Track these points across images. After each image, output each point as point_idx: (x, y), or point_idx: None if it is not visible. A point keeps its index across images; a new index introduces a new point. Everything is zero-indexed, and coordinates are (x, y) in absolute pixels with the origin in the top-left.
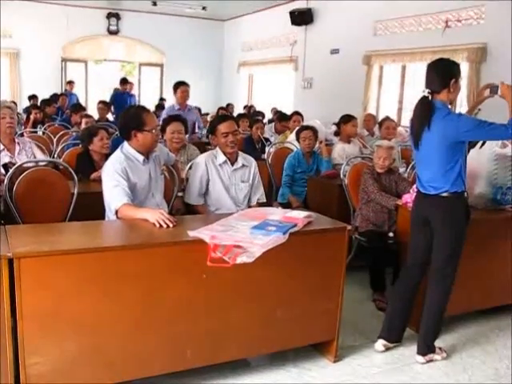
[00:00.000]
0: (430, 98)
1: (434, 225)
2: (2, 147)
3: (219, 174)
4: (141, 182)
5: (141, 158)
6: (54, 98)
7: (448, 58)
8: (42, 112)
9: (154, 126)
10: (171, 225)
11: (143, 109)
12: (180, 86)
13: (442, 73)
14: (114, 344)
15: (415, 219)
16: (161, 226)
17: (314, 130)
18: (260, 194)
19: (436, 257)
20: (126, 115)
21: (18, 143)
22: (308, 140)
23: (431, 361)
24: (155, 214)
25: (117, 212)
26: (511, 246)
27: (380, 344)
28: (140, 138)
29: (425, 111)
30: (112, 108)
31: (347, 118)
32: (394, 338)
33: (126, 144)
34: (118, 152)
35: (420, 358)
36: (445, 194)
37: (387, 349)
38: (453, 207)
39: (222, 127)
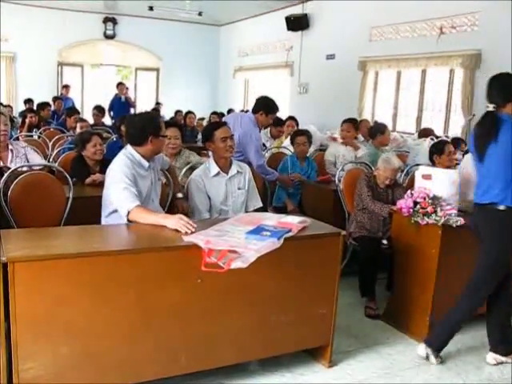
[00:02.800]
0: (494, 112)
1: (483, 236)
2: None
3: (216, 187)
4: (144, 188)
5: (146, 163)
6: (53, 101)
7: (508, 72)
8: (38, 116)
9: (164, 131)
10: (193, 229)
11: (157, 114)
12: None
13: (506, 87)
14: (108, 349)
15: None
16: (178, 231)
17: (308, 135)
18: (256, 200)
19: (478, 268)
20: (142, 120)
21: (12, 150)
22: (302, 146)
23: (427, 357)
24: (173, 220)
25: (128, 214)
26: None
27: (491, 357)
28: (155, 143)
29: (491, 126)
30: (111, 112)
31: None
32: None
33: (130, 148)
34: (122, 156)
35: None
36: (502, 207)
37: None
38: (507, 221)
39: (220, 132)
